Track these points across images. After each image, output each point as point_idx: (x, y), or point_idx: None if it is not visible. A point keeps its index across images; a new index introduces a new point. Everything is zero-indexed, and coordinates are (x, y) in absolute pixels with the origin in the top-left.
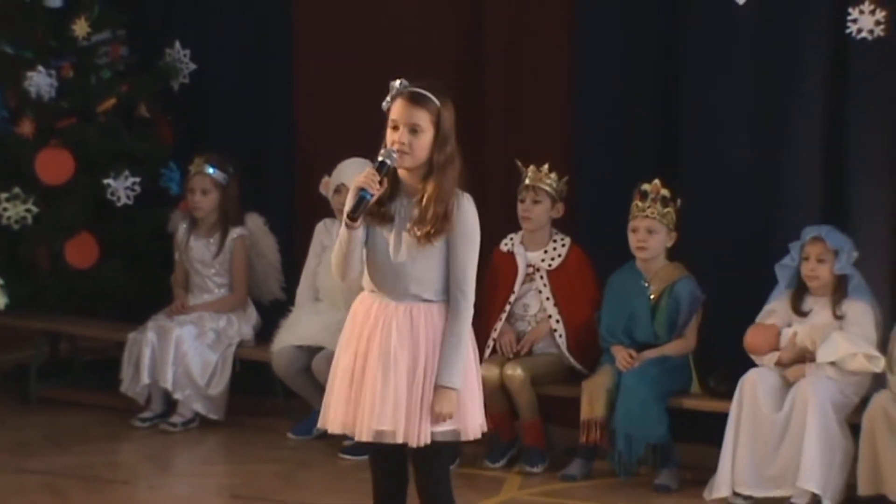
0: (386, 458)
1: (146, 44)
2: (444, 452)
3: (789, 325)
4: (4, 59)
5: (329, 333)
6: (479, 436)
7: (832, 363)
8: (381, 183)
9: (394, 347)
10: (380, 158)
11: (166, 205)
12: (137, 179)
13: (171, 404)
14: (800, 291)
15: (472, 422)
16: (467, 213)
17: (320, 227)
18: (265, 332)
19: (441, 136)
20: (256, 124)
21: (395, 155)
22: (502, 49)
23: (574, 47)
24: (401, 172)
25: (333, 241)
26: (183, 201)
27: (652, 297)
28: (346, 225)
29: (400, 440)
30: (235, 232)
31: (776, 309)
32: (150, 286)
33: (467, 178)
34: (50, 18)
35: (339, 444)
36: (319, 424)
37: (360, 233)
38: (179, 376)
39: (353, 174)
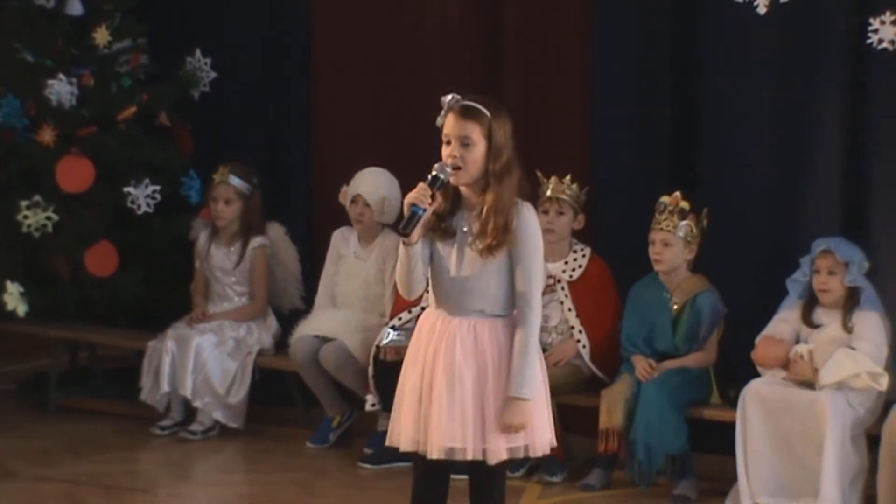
0: (430, 471)
1: (167, 52)
2: (504, 467)
3: (798, 337)
4: (25, 67)
5: (348, 328)
6: (547, 451)
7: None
8: (433, 197)
9: (458, 363)
10: (433, 173)
11: (186, 213)
12: (157, 188)
13: (190, 412)
14: (811, 303)
15: (542, 436)
16: (529, 223)
17: (337, 235)
18: (285, 340)
19: (494, 148)
20: (276, 133)
21: (448, 169)
22: (520, 60)
23: (592, 58)
24: (462, 187)
25: (350, 250)
26: (204, 209)
27: (674, 308)
28: (403, 242)
29: (470, 457)
30: (256, 241)
31: (786, 318)
32: (169, 294)
33: (529, 187)
34: (71, 27)
35: (357, 453)
36: (388, 442)
37: (418, 249)
38: (199, 384)
39: (370, 184)
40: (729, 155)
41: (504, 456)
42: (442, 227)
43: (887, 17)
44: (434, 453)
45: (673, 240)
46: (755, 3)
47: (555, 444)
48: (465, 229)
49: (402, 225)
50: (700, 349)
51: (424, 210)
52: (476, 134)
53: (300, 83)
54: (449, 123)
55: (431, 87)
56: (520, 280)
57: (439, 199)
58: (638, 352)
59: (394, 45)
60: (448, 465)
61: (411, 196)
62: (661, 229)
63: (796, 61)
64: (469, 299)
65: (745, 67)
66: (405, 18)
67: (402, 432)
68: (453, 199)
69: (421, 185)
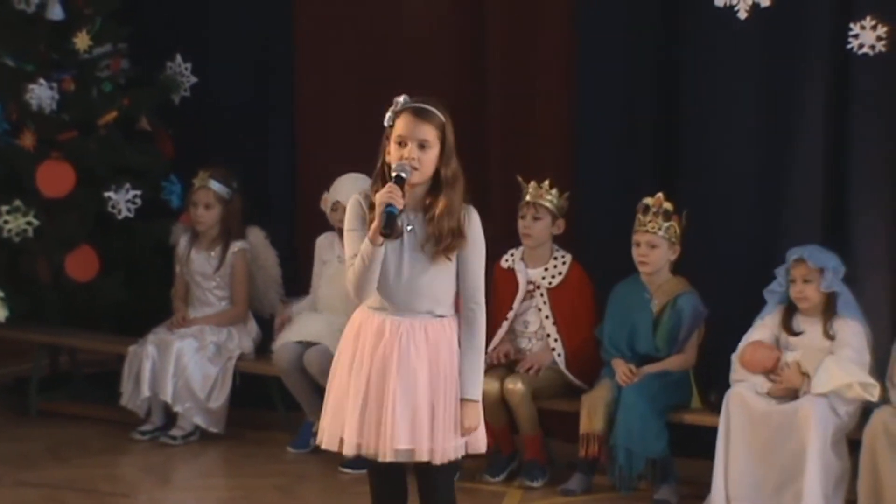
0: (387, 475)
1: (147, 57)
2: (452, 468)
3: (778, 344)
4: (6, 72)
5: (331, 331)
6: (484, 450)
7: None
8: (403, 196)
9: (414, 365)
10: (394, 173)
11: (167, 218)
12: (138, 192)
13: (171, 417)
14: (790, 310)
15: (482, 436)
16: (476, 226)
17: (321, 241)
18: (265, 345)
19: (447, 151)
20: (257, 138)
21: (408, 168)
22: (504, 64)
23: (576, 63)
24: (406, 188)
25: (334, 255)
26: (184, 214)
27: (655, 310)
28: (371, 241)
29: (425, 458)
30: (237, 245)
31: (767, 324)
32: (150, 299)
33: (471, 191)
34: (51, 31)
35: (338, 457)
36: (325, 445)
37: (382, 249)
38: (180, 389)
39: (349, 190)
40: (711, 160)
41: (451, 456)
42: None
43: (868, 22)
44: (387, 456)
45: (658, 241)
46: (736, 9)
47: (490, 442)
48: (409, 228)
49: (381, 226)
50: (680, 351)
51: (399, 210)
52: (432, 136)
53: (282, 87)
54: (404, 125)
55: (415, 93)
56: (469, 282)
57: (406, 197)
58: (618, 354)
59: (376, 49)
60: (404, 468)
61: (384, 196)
62: (647, 231)
63: (777, 66)
64: (417, 300)
65: (727, 72)
66: (388, 24)
67: (347, 437)
68: None
69: (389, 185)
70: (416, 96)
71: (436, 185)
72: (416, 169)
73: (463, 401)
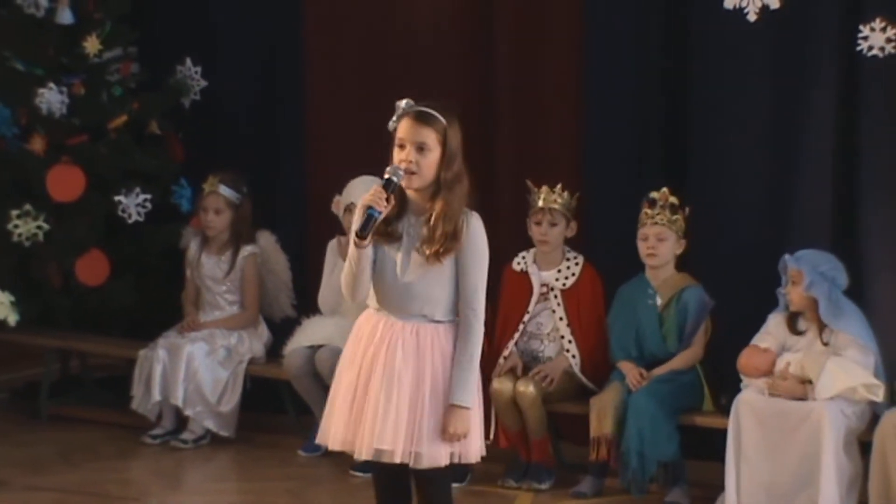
0: (389, 478)
1: (157, 61)
2: (445, 474)
3: (783, 349)
4: (16, 76)
5: (341, 333)
6: (477, 459)
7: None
8: (387, 200)
9: (398, 367)
10: (386, 176)
11: (177, 222)
12: (148, 196)
13: (181, 421)
14: (795, 312)
15: (473, 444)
16: (476, 232)
17: (333, 245)
18: (276, 349)
19: (448, 155)
20: (267, 141)
21: (401, 172)
22: (512, 67)
23: (584, 63)
24: (409, 191)
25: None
26: (194, 218)
27: (659, 306)
28: (355, 244)
29: (398, 460)
30: (247, 250)
31: (772, 331)
32: (160, 303)
33: (477, 197)
34: (61, 35)
35: (349, 461)
36: (318, 440)
37: (369, 252)
38: (190, 393)
39: (363, 193)
40: (720, 162)
41: (439, 462)
42: (388, 231)
43: (877, 24)
44: (363, 454)
45: (667, 234)
46: (745, 11)
47: (485, 452)
48: (411, 233)
49: (359, 228)
50: (687, 346)
51: (380, 213)
52: (432, 140)
53: (292, 91)
54: (404, 128)
55: (424, 96)
56: (466, 288)
57: (393, 201)
58: (627, 356)
59: (386, 53)
60: (408, 473)
61: (367, 199)
62: (656, 223)
63: (787, 68)
64: (412, 303)
65: (737, 73)
66: (398, 27)
67: (332, 432)
68: (400, 203)
69: (376, 187)
70: (425, 100)
71: (438, 189)
72: (414, 173)
73: (450, 406)
